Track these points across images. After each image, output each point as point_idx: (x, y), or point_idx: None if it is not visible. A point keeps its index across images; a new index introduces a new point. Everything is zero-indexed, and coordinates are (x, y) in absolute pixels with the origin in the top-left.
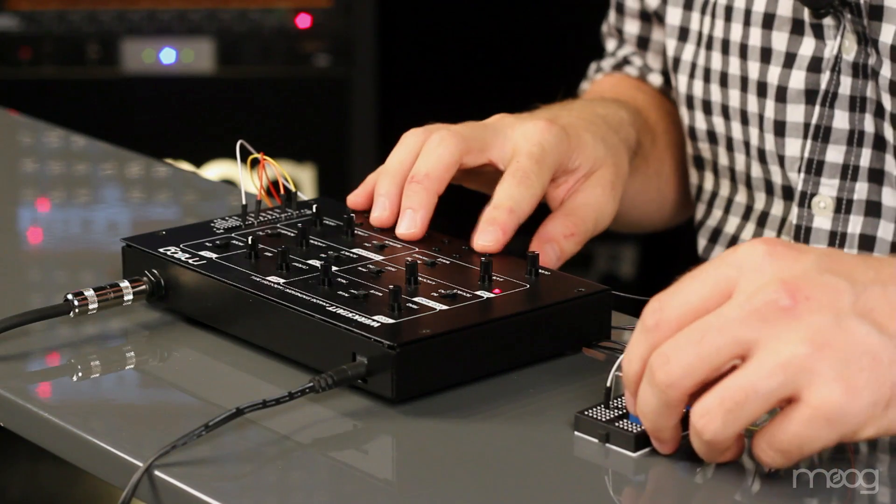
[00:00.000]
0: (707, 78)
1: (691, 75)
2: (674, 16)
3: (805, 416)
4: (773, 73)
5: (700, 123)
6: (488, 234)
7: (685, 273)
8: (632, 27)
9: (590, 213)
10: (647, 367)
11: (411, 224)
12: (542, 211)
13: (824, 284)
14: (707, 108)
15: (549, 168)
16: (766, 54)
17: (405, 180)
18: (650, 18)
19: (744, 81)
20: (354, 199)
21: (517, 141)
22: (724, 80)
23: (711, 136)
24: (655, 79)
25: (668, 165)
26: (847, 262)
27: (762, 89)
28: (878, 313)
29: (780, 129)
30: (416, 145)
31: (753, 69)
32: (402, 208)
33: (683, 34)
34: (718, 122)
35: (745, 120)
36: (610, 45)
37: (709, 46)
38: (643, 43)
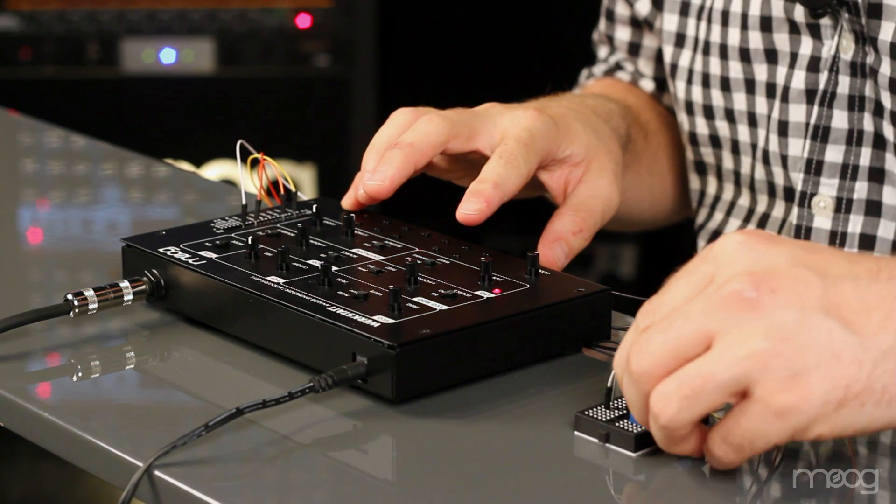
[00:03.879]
0: (706, 83)
1: (689, 81)
2: (670, 22)
3: (756, 411)
4: (781, 74)
5: (702, 129)
6: (472, 204)
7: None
8: (622, 34)
9: (597, 205)
10: (626, 360)
11: (382, 178)
12: (548, 210)
13: (793, 277)
14: (708, 112)
15: (536, 153)
16: (771, 55)
17: None
18: (640, 25)
19: (749, 84)
20: (347, 201)
21: (506, 127)
22: (725, 85)
23: (714, 141)
24: (647, 84)
25: (661, 165)
26: (824, 255)
27: (771, 90)
28: (846, 309)
29: (783, 129)
30: (404, 123)
31: (760, 71)
32: (376, 168)
33: (680, 40)
34: (722, 125)
35: (753, 122)
36: (601, 52)
37: (706, 52)
38: (634, 49)
